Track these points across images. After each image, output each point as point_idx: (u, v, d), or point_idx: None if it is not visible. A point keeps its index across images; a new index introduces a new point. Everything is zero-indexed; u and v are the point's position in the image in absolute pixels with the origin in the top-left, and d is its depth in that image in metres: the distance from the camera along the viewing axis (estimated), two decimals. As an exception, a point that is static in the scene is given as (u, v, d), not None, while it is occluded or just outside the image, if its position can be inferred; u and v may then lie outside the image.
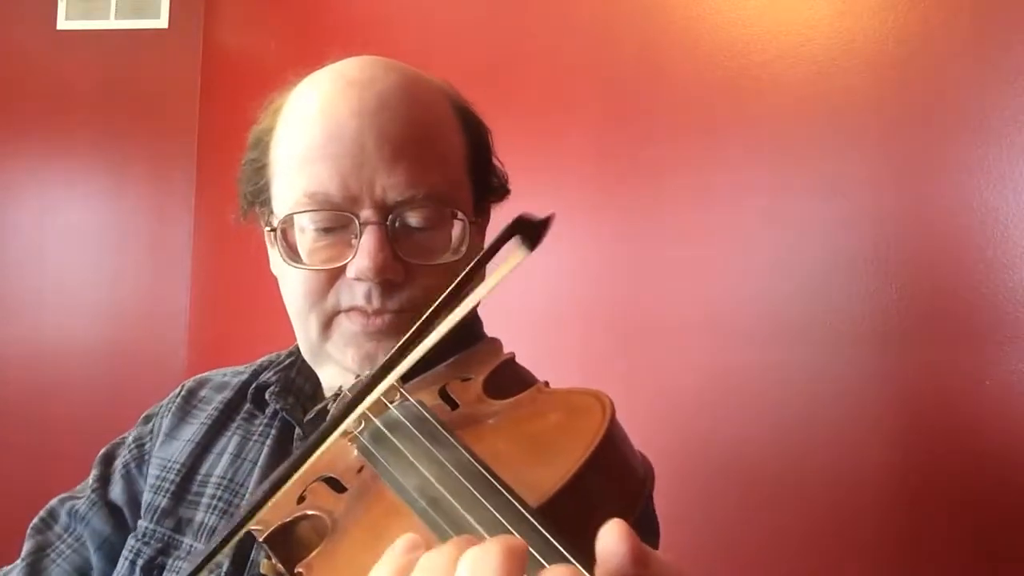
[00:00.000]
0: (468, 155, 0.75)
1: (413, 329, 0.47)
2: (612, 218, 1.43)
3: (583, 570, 0.32)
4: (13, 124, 2.33)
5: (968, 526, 1.05)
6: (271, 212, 0.74)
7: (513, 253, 0.44)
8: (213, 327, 2.18)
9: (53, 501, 0.84)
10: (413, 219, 0.69)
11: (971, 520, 1.05)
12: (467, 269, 0.45)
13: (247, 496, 0.74)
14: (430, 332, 0.46)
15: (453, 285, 0.46)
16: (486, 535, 0.37)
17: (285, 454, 0.73)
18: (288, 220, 0.71)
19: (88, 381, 2.23)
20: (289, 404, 0.78)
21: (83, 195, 2.33)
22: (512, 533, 0.36)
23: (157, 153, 2.30)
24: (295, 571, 0.47)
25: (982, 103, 1.07)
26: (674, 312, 1.33)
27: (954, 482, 1.06)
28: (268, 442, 0.77)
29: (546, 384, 0.60)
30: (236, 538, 0.47)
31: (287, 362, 0.83)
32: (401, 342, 0.48)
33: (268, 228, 0.74)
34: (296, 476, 0.47)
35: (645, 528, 0.63)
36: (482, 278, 0.47)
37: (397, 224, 0.69)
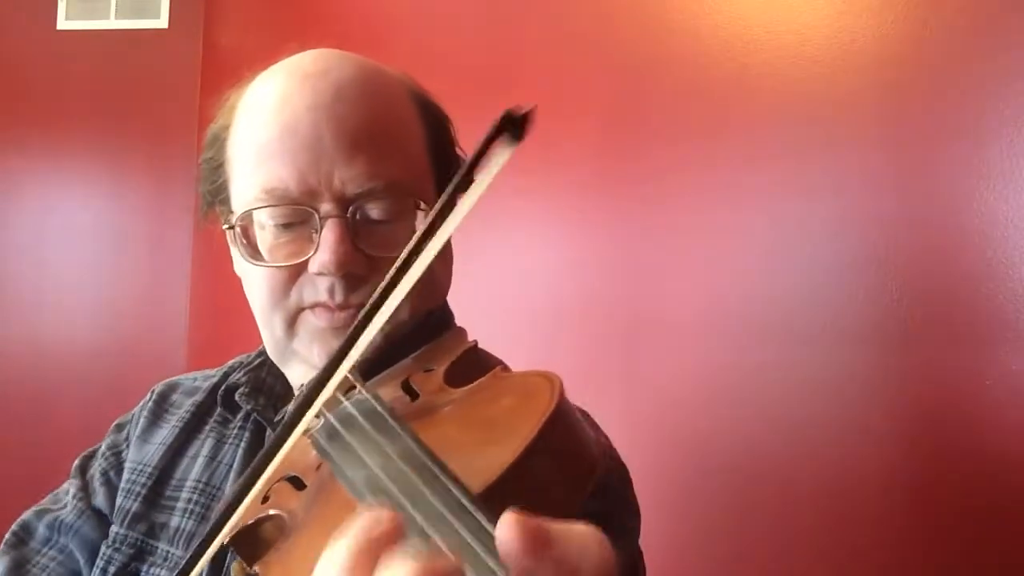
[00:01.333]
0: (429, 145, 0.74)
1: (403, 256, 0.46)
2: (612, 218, 1.43)
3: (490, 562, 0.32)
4: (13, 124, 2.33)
5: (968, 526, 1.05)
6: (230, 211, 0.73)
7: (499, 153, 0.43)
8: (213, 327, 2.18)
9: (26, 515, 0.82)
10: (374, 211, 0.68)
11: (971, 520, 1.05)
12: (456, 177, 0.44)
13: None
14: (411, 265, 0.46)
15: (436, 206, 0.44)
16: (426, 526, 0.37)
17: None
18: (247, 217, 0.70)
19: (88, 381, 2.23)
20: (260, 405, 0.77)
21: (83, 195, 2.33)
22: (449, 522, 0.36)
23: (157, 153, 2.30)
24: (252, 570, 0.47)
25: (982, 103, 1.07)
26: (674, 312, 1.33)
27: (954, 481, 1.06)
28: (242, 444, 0.76)
29: (504, 368, 0.60)
30: (211, 550, 0.47)
31: (257, 362, 0.82)
32: (387, 278, 0.47)
33: (227, 226, 0.72)
34: (261, 481, 0.47)
35: (607, 513, 0.63)
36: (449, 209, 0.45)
37: (358, 217, 0.67)
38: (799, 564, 1.17)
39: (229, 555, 0.68)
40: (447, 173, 0.76)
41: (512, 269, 1.50)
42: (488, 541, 0.33)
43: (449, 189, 0.44)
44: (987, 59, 1.08)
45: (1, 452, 2.18)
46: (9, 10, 2.35)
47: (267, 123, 0.69)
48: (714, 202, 1.30)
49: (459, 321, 0.77)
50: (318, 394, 0.48)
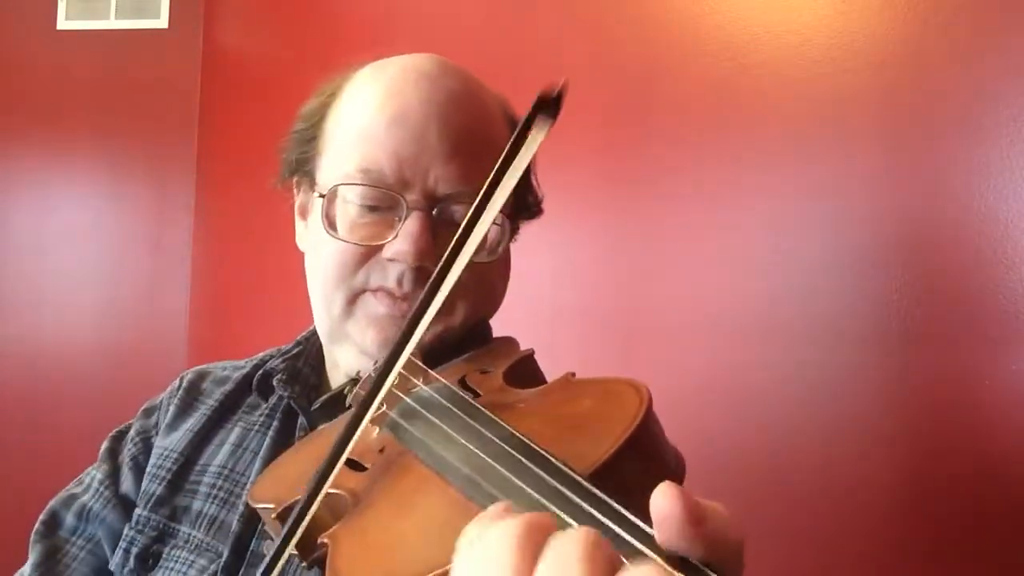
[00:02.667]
0: None
1: (456, 236, 0.47)
2: (612, 218, 1.43)
3: (648, 529, 0.32)
4: (13, 124, 2.34)
5: (968, 526, 1.05)
6: (314, 182, 0.75)
7: (536, 133, 0.46)
8: (213, 327, 2.18)
9: (53, 503, 0.83)
10: (458, 213, 0.70)
11: (971, 519, 1.05)
12: (499, 162, 0.46)
13: (248, 484, 0.74)
14: (463, 248, 0.47)
15: (494, 170, 0.46)
16: (542, 499, 0.36)
17: (287, 444, 0.73)
18: (335, 191, 0.71)
19: (88, 381, 2.23)
20: (295, 392, 0.78)
21: (83, 195, 2.33)
22: (565, 495, 0.36)
23: (157, 153, 2.30)
24: (318, 541, 0.46)
25: (982, 103, 1.07)
26: (674, 312, 1.33)
27: (954, 481, 1.06)
28: (270, 432, 0.77)
29: (572, 375, 0.61)
30: (301, 527, 0.47)
31: (295, 351, 0.83)
32: (447, 252, 0.47)
33: (317, 195, 0.74)
34: (345, 453, 0.47)
35: None
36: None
37: (441, 215, 0.70)
38: (799, 564, 1.17)
39: (254, 540, 0.69)
40: (522, 199, 0.81)
41: (512, 269, 1.49)
42: (616, 517, 0.34)
43: (496, 167, 0.46)
44: (987, 59, 1.08)
45: (1, 452, 2.18)
46: (9, 10, 2.35)
47: (376, 108, 0.71)
48: (714, 202, 1.30)
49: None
50: (392, 367, 0.48)
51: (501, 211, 0.71)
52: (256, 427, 0.79)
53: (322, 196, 0.72)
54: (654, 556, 0.31)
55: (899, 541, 1.10)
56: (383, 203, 0.70)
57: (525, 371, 0.62)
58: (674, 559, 0.31)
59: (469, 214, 0.47)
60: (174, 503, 0.76)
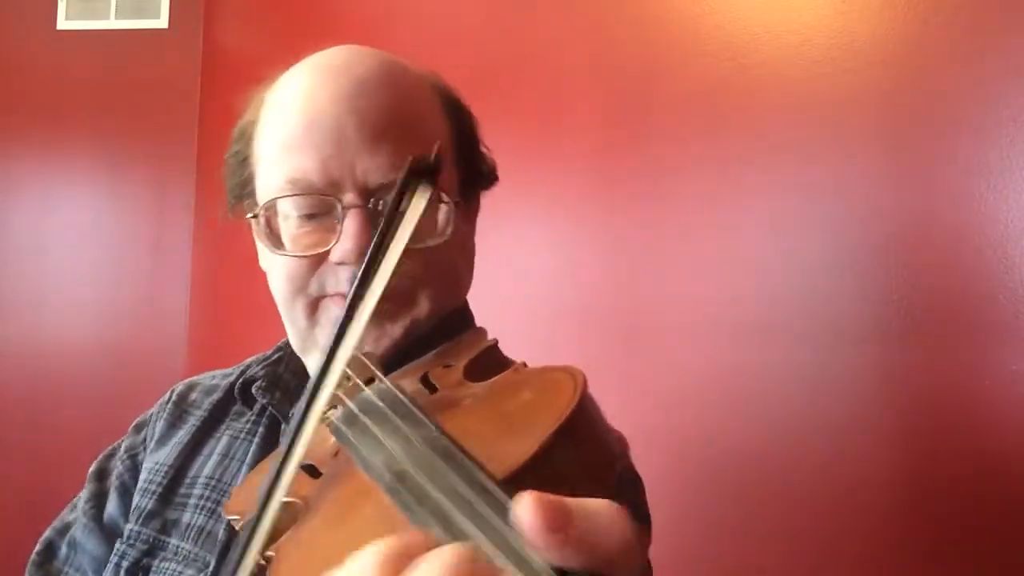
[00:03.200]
0: (452, 140, 0.75)
1: (347, 304, 0.48)
2: (612, 218, 1.43)
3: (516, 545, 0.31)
4: (13, 124, 2.34)
5: (968, 525, 1.05)
6: (255, 203, 0.74)
7: (418, 198, 0.46)
8: (213, 327, 2.18)
9: (48, 532, 0.83)
10: None
11: (971, 519, 1.05)
12: (379, 230, 0.47)
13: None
14: (365, 303, 0.47)
15: (370, 250, 0.47)
16: (451, 506, 0.37)
17: (273, 450, 0.73)
18: (271, 207, 0.71)
19: (88, 381, 2.23)
20: (276, 399, 0.78)
21: (83, 195, 2.33)
22: (472, 503, 0.36)
23: (157, 153, 2.30)
24: (266, 555, 0.47)
25: (982, 103, 1.07)
26: (674, 311, 1.33)
27: (954, 481, 1.06)
28: (256, 439, 0.77)
29: (524, 365, 0.60)
30: (254, 543, 0.47)
31: (275, 357, 0.83)
32: (338, 321, 0.49)
33: (251, 215, 0.73)
34: (286, 474, 0.47)
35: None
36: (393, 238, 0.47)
37: (380, 207, 0.68)
38: (799, 563, 1.17)
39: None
40: (473, 170, 0.78)
41: (512, 269, 1.50)
42: (514, 535, 0.33)
43: (375, 239, 0.48)
44: (987, 59, 1.08)
45: (1, 452, 2.18)
46: (9, 10, 2.35)
47: (292, 116, 0.70)
48: (714, 202, 1.30)
49: (459, 321, 0.77)
50: (322, 380, 0.48)
51: (445, 191, 0.70)
52: (242, 435, 0.79)
53: (256, 217, 0.72)
54: (535, 569, 0.31)
55: (899, 541, 1.10)
56: (319, 209, 0.69)
57: (488, 363, 0.61)
58: (555, 571, 0.30)
59: (355, 286, 0.48)
60: (164, 516, 0.76)
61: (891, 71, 1.15)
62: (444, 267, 0.72)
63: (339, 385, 0.50)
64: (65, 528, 0.82)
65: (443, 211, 0.70)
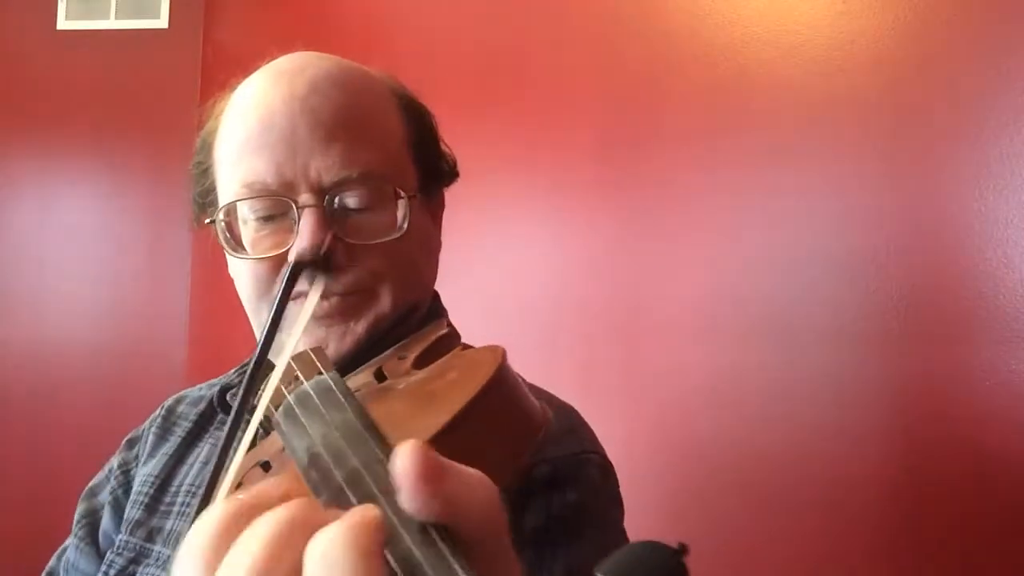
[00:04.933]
0: (409, 138, 0.75)
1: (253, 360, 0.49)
2: (612, 218, 1.43)
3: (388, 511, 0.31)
4: (13, 124, 2.33)
5: (968, 525, 1.05)
6: (217, 210, 0.74)
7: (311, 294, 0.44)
8: (213, 327, 2.18)
9: (52, 561, 0.84)
10: (351, 200, 0.68)
11: (971, 519, 1.05)
12: (271, 316, 0.49)
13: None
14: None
15: (265, 329, 0.49)
16: (347, 483, 0.37)
17: None
18: (231, 212, 0.71)
19: (88, 381, 2.23)
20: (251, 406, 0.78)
21: (83, 195, 2.33)
22: (364, 476, 0.36)
23: (157, 153, 2.30)
24: None
25: (982, 103, 1.07)
26: (674, 312, 1.33)
27: (954, 481, 1.06)
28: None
29: (464, 348, 0.61)
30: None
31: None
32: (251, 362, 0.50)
33: (209, 220, 0.73)
34: (232, 467, 0.48)
35: (584, 504, 0.65)
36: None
37: (336, 205, 0.68)
38: (798, 563, 1.17)
39: None
40: (434, 168, 0.78)
41: (512, 269, 1.49)
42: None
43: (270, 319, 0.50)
44: (987, 59, 1.08)
45: (1, 452, 2.18)
46: (9, 10, 2.35)
47: (246, 120, 0.70)
48: (714, 202, 1.30)
49: (458, 321, 0.77)
50: (251, 387, 0.49)
51: (402, 187, 0.70)
52: (222, 443, 0.79)
53: (214, 222, 0.72)
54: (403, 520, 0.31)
55: (899, 540, 1.10)
56: (276, 210, 0.69)
57: (438, 351, 0.62)
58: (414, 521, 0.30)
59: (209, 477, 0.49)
60: (150, 525, 0.77)
61: (891, 71, 1.15)
62: (404, 261, 0.72)
63: (288, 383, 0.51)
64: (63, 552, 0.83)
65: (400, 206, 0.71)
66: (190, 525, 0.66)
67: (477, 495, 0.31)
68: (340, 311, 0.69)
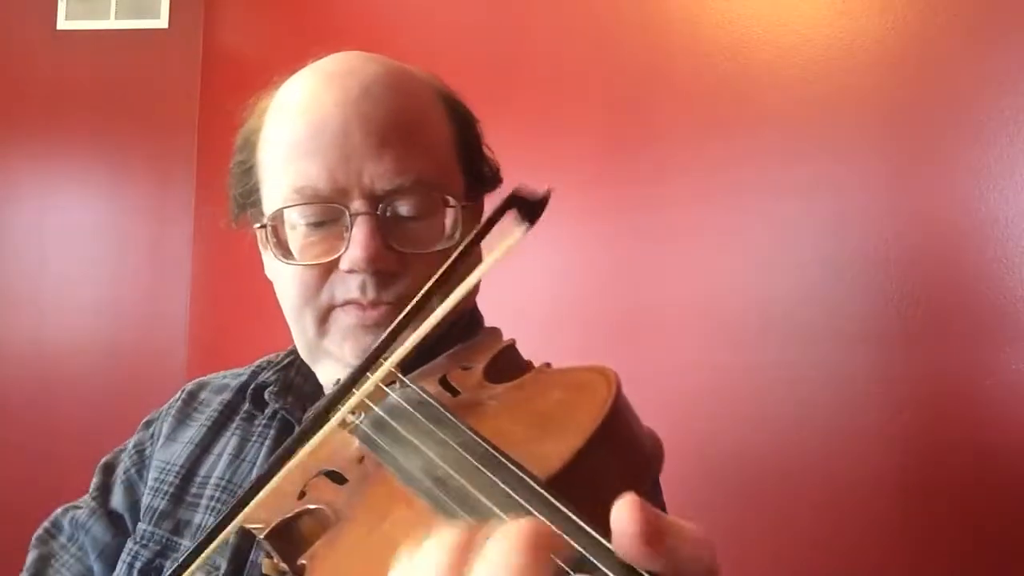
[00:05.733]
0: (456, 143, 0.74)
1: (403, 313, 0.46)
2: (612, 217, 1.43)
3: (603, 540, 0.31)
4: (13, 124, 2.33)
5: (969, 526, 1.05)
6: (261, 212, 0.74)
7: (511, 231, 0.43)
8: (213, 327, 2.18)
9: (57, 511, 0.84)
10: (404, 208, 0.68)
11: (972, 520, 1.05)
12: (460, 247, 0.45)
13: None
14: (423, 316, 0.45)
15: (446, 265, 0.45)
16: (498, 511, 0.36)
17: None
18: (278, 217, 0.70)
19: (88, 381, 2.23)
20: (288, 403, 0.78)
21: (83, 195, 2.33)
22: (525, 507, 0.35)
23: (157, 153, 2.30)
24: (298, 563, 0.46)
25: (982, 103, 1.07)
26: (674, 312, 1.33)
27: (955, 482, 1.06)
28: (267, 442, 0.77)
29: (548, 366, 0.60)
30: (223, 534, 0.46)
31: (286, 362, 0.83)
32: (391, 327, 0.47)
33: (258, 225, 0.73)
34: (285, 469, 0.46)
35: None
36: (479, 258, 0.45)
37: (388, 213, 0.68)
38: (798, 563, 1.17)
39: (253, 550, 0.68)
40: (477, 173, 0.78)
41: (512, 269, 1.49)
42: (572, 527, 0.33)
43: (451, 259, 0.46)
44: (987, 59, 1.08)
45: (1, 451, 2.18)
46: (9, 10, 2.34)
47: (296, 122, 0.69)
48: (714, 202, 1.30)
49: (459, 321, 0.77)
50: (354, 386, 0.47)
51: (453, 197, 0.70)
52: (254, 438, 0.79)
53: (264, 227, 0.71)
54: (601, 567, 0.30)
55: (899, 540, 1.10)
56: (327, 216, 0.68)
57: (506, 363, 0.61)
58: (626, 569, 0.30)
59: (410, 306, 0.46)
60: (177, 517, 0.76)
61: (890, 71, 1.15)
62: None
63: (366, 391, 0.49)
64: (70, 508, 0.83)
65: (450, 215, 0.70)
66: (219, 519, 0.66)
67: (696, 555, 0.31)
68: (390, 318, 0.67)
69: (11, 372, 2.25)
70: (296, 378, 0.81)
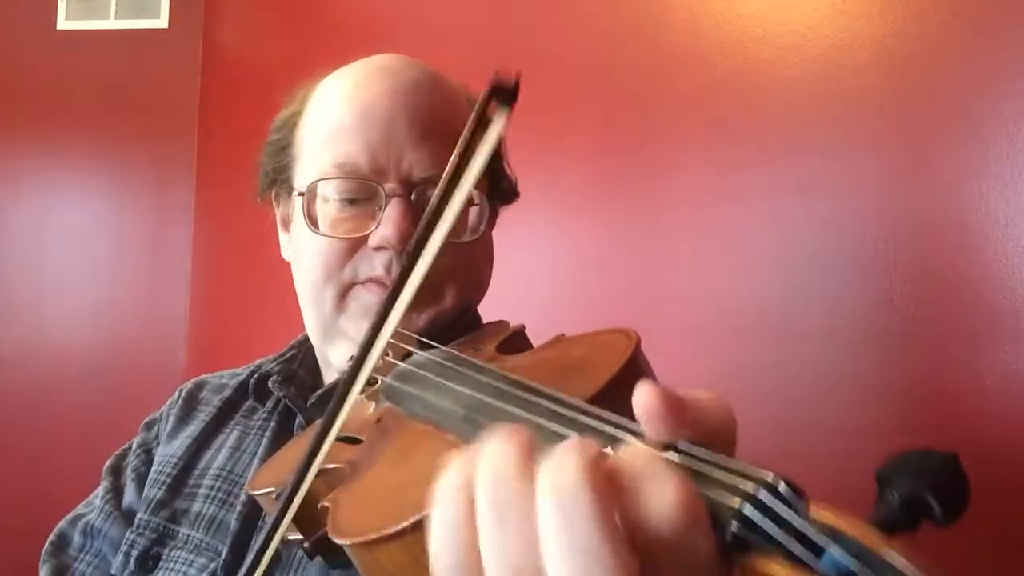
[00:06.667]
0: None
1: (413, 243, 0.46)
2: (612, 217, 1.43)
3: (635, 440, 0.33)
4: (13, 124, 2.34)
5: (968, 525, 1.05)
6: (292, 189, 0.76)
7: (493, 124, 0.45)
8: (213, 327, 2.18)
9: (61, 524, 0.84)
10: None
11: (971, 520, 1.05)
12: (456, 152, 0.45)
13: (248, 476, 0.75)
14: (432, 233, 0.45)
15: (449, 167, 0.45)
16: (538, 419, 0.37)
17: (285, 444, 0.74)
18: (313, 189, 0.72)
19: (88, 381, 2.23)
20: (291, 393, 0.79)
21: (83, 195, 2.33)
22: (565, 414, 0.36)
23: (157, 153, 2.30)
24: (320, 505, 0.46)
25: (982, 103, 1.07)
26: (674, 312, 1.33)
27: (954, 482, 1.06)
28: (267, 434, 0.78)
29: (563, 335, 0.62)
30: (294, 505, 0.46)
31: (289, 355, 0.84)
32: (399, 270, 0.47)
33: (295, 194, 0.75)
34: (329, 439, 0.46)
35: None
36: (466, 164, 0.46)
37: (420, 200, 0.70)
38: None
39: (255, 535, 0.69)
40: (497, 185, 0.82)
41: (512, 269, 1.49)
42: (610, 423, 0.35)
43: (458, 152, 0.45)
44: (987, 59, 1.08)
45: (1, 451, 2.18)
46: (9, 10, 2.35)
47: (342, 105, 0.73)
48: (714, 202, 1.30)
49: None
50: (374, 340, 0.46)
51: (479, 190, 0.73)
52: (254, 431, 0.80)
53: (301, 195, 0.73)
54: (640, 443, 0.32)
55: (898, 540, 1.10)
56: (362, 194, 0.71)
57: (517, 343, 0.63)
58: (662, 444, 0.32)
59: (437, 195, 0.46)
60: (174, 506, 0.77)
61: (890, 71, 1.15)
62: (470, 264, 0.75)
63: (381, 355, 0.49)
64: (77, 519, 0.83)
65: (475, 211, 0.74)
66: (222, 509, 0.66)
67: (717, 418, 0.34)
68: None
69: (11, 372, 2.25)
70: (299, 370, 0.82)
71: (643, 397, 0.32)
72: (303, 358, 0.82)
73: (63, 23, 2.34)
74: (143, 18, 2.32)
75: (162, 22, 2.31)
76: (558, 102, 1.50)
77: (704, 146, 1.32)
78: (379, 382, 0.54)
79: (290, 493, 0.46)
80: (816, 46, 1.21)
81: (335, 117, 0.73)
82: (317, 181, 0.72)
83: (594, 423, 0.35)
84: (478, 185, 0.71)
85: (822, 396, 1.17)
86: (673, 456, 0.32)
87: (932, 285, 1.10)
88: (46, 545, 0.82)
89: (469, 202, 0.73)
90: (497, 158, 0.81)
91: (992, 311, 1.04)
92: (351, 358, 0.46)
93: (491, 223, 0.81)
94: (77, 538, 0.81)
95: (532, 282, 1.46)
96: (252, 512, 0.71)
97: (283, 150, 0.78)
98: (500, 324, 0.74)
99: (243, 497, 0.72)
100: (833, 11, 1.20)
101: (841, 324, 1.16)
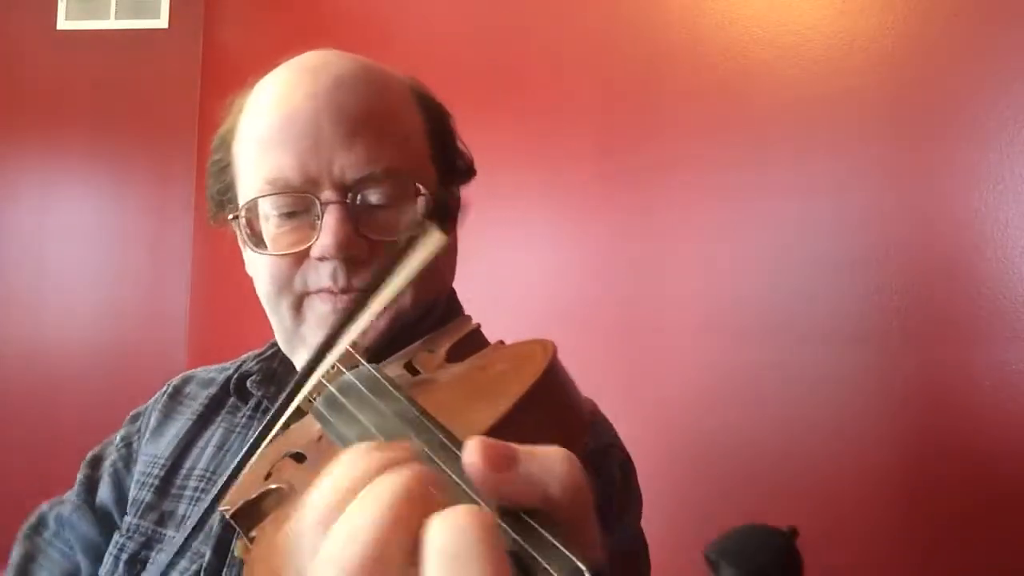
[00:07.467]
0: (429, 136, 0.75)
1: (361, 296, 0.49)
2: (612, 218, 1.44)
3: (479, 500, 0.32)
4: (13, 124, 2.34)
5: (967, 526, 1.05)
6: (236, 207, 0.75)
7: (431, 238, 0.46)
8: (213, 327, 2.18)
9: (43, 506, 0.84)
10: (374, 196, 0.69)
11: (971, 520, 1.05)
12: (396, 254, 0.47)
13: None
14: (363, 310, 0.48)
15: (403, 246, 0.47)
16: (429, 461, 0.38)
17: None
18: (252, 208, 0.71)
19: (88, 381, 2.23)
20: (271, 393, 0.79)
21: (83, 195, 2.34)
22: (435, 462, 0.37)
23: (157, 153, 2.30)
24: (250, 536, 0.48)
25: (982, 103, 1.07)
26: (674, 312, 1.33)
27: (953, 481, 1.06)
28: (249, 433, 0.78)
29: (501, 343, 0.61)
30: (206, 520, 0.48)
31: (269, 353, 0.84)
32: (347, 311, 0.49)
33: (232, 217, 0.74)
34: (257, 455, 0.48)
35: (607, 495, 0.65)
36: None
37: (358, 202, 0.69)
38: (799, 564, 1.17)
39: (234, 537, 0.69)
40: (451, 165, 0.78)
41: (512, 269, 1.50)
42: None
43: (391, 260, 0.48)
44: (987, 59, 1.08)
45: (1, 451, 2.18)
46: (9, 10, 2.35)
47: (268, 116, 0.71)
48: (714, 202, 1.30)
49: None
50: (315, 367, 0.49)
51: (424, 185, 0.71)
52: (238, 429, 0.80)
53: (237, 218, 0.72)
54: (480, 502, 0.31)
55: (897, 541, 1.10)
56: (298, 207, 0.69)
57: (469, 345, 0.63)
58: (499, 508, 0.31)
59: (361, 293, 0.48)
60: (161, 508, 0.77)
61: (891, 71, 1.15)
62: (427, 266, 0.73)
63: (325, 373, 0.51)
64: (56, 503, 0.84)
65: (421, 204, 0.71)
66: (203, 510, 0.66)
67: (556, 470, 0.31)
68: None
69: (11, 372, 2.25)
70: (279, 369, 0.82)
71: (468, 451, 0.31)
72: (283, 355, 0.81)
73: (63, 23, 2.34)
74: (143, 18, 2.32)
75: (162, 22, 2.31)
76: (558, 102, 1.50)
77: (704, 146, 1.32)
78: (320, 394, 0.56)
79: (210, 504, 0.47)
80: (816, 46, 1.21)
81: (262, 129, 0.71)
82: (256, 199, 0.70)
83: (456, 474, 0.34)
84: (423, 180, 0.72)
85: (822, 396, 1.17)
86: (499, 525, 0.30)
87: (931, 285, 1.10)
88: (25, 526, 0.83)
89: (416, 192, 0.70)
90: (450, 136, 0.79)
91: (991, 311, 1.04)
92: (288, 386, 0.48)
93: (451, 208, 0.78)
94: (52, 524, 0.82)
95: (532, 282, 1.46)
96: None
97: (224, 170, 0.76)
98: (462, 322, 0.72)
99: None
100: (833, 11, 1.20)
101: (841, 324, 1.16)
